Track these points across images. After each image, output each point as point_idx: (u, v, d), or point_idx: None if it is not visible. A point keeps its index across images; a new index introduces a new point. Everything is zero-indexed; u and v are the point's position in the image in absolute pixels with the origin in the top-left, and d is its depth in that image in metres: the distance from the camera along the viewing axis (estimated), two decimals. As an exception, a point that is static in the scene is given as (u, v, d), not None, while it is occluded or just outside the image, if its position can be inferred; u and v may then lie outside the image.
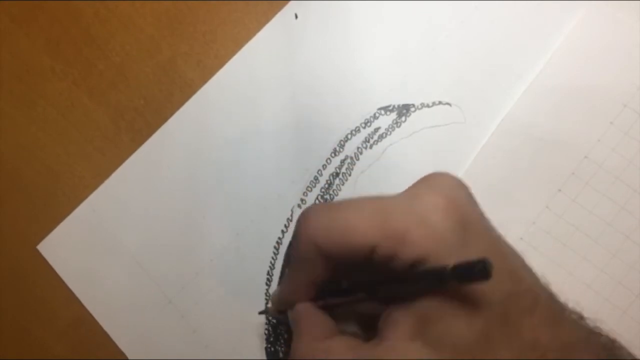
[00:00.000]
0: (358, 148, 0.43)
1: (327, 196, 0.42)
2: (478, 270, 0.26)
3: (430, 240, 0.29)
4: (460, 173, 0.42)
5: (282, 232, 0.42)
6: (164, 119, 0.43)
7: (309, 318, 0.34)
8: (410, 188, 0.32)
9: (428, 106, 0.43)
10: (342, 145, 0.43)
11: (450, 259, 0.28)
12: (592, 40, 0.43)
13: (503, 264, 0.29)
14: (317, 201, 0.42)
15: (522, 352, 0.29)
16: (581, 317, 0.32)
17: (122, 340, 0.41)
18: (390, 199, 0.31)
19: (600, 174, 0.42)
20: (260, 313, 0.40)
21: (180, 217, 0.42)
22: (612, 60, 0.43)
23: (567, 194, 0.41)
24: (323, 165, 0.43)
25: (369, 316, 0.33)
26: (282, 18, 0.44)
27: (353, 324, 0.35)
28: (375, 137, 0.43)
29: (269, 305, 0.39)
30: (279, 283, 0.41)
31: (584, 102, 0.42)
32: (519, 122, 0.42)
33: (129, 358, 0.41)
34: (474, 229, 0.30)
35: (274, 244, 0.42)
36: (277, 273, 0.42)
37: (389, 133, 0.43)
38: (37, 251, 0.41)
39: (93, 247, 0.42)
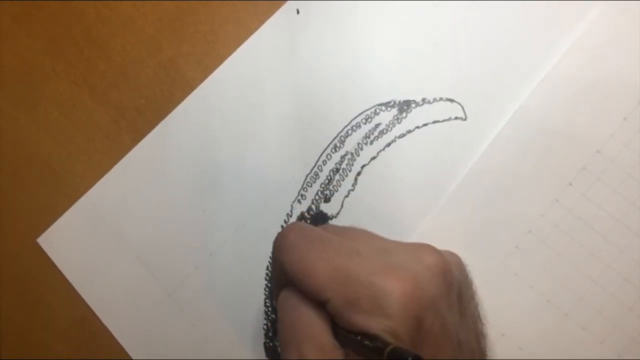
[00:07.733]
0: (358, 144, 0.43)
1: (327, 192, 0.42)
2: None
3: (376, 323, 0.29)
4: (467, 166, 0.42)
5: (282, 227, 0.42)
6: (165, 118, 0.43)
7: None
8: (394, 251, 0.32)
9: (429, 102, 0.43)
10: (342, 141, 0.43)
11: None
12: (609, 35, 0.42)
13: None
14: (316, 197, 0.42)
15: None
16: None
17: (120, 333, 0.41)
18: (364, 260, 0.31)
19: (611, 170, 0.41)
20: None
21: (180, 211, 0.42)
22: (628, 56, 0.42)
23: (578, 188, 0.41)
24: (323, 161, 0.43)
25: None
26: (283, 14, 0.44)
27: None
28: (376, 133, 0.43)
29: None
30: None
31: (598, 97, 0.42)
32: (531, 114, 0.42)
33: (127, 350, 0.41)
34: (427, 328, 0.29)
35: (274, 239, 0.42)
36: (276, 269, 0.42)
37: (389, 129, 0.43)
38: (38, 244, 0.42)
39: (93, 241, 0.42)
